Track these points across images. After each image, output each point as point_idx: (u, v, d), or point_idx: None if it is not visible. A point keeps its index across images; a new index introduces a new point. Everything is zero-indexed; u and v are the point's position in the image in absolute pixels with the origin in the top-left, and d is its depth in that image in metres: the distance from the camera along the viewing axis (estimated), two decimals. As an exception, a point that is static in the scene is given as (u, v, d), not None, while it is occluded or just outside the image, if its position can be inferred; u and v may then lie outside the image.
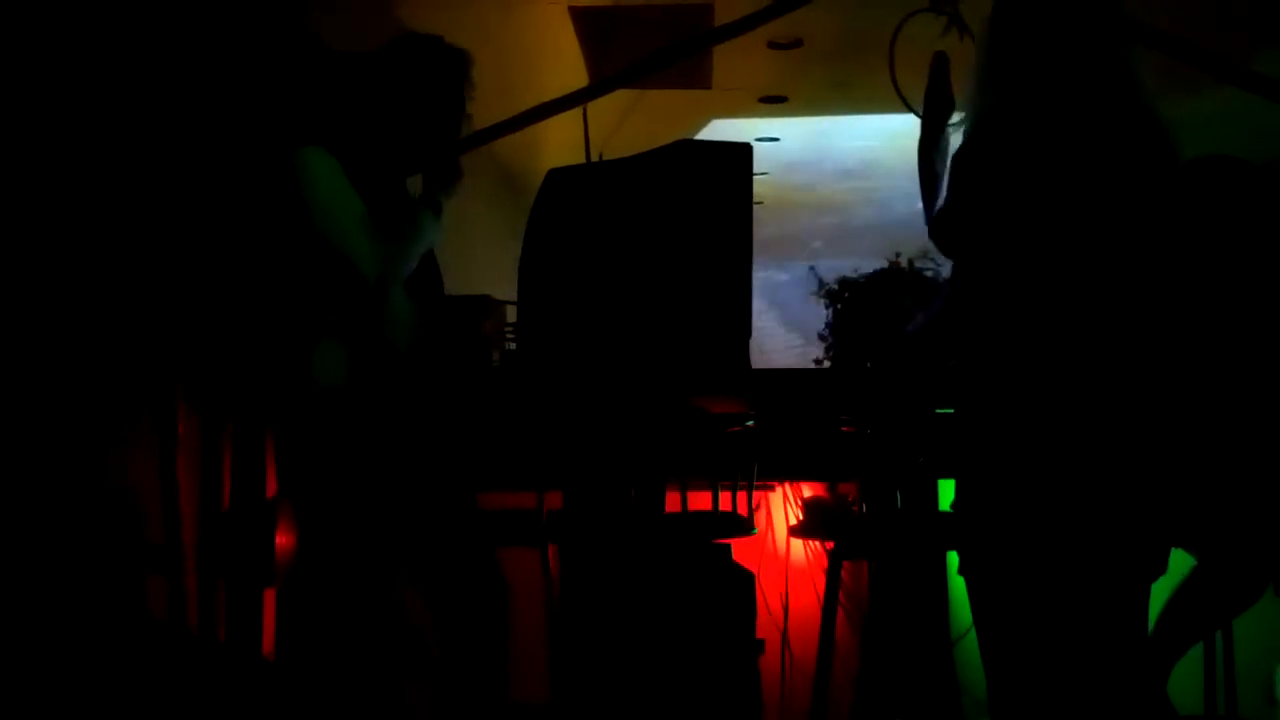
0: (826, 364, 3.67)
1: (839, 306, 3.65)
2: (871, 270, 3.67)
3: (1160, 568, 1.95)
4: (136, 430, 3.09)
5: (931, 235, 2.08)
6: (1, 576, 2.62)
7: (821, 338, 3.73)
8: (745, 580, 2.97)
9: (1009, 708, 1.93)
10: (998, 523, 1.91)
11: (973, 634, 2.02)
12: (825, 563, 3.08)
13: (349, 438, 2.51)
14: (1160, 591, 2.37)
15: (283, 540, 3.09)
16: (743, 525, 3.22)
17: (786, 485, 3.72)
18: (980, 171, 1.96)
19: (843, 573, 3.00)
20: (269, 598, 3.16)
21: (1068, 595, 1.88)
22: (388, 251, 2.54)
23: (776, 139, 6.70)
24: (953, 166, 2.02)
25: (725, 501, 3.24)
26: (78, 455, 2.86)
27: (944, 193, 2.11)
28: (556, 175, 2.77)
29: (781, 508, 3.76)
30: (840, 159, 7.22)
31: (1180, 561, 2.43)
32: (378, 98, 2.67)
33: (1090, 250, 1.90)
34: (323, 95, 2.89)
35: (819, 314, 3.76)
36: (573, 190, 2.75)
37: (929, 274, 3.62)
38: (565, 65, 5.05)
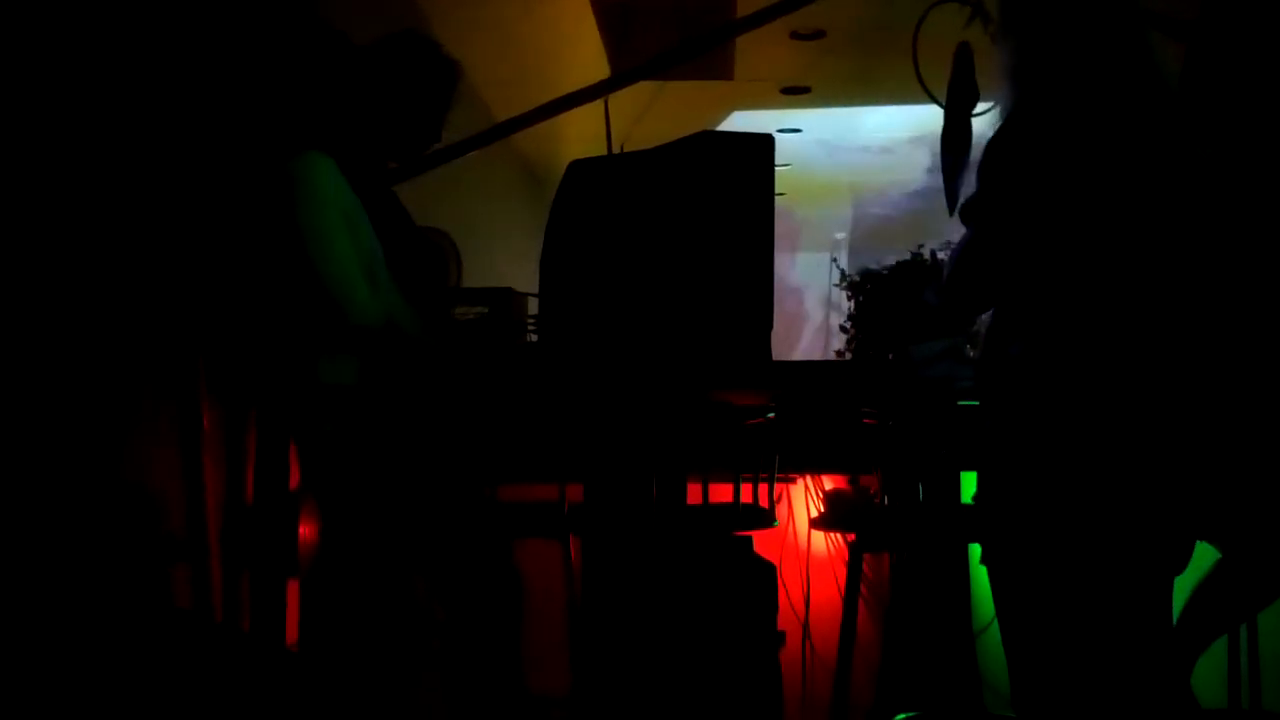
0: (848, 356, 3.67)
1: (861, 298, 3.64)
2: (893, 262, 3.65)
3: (1183, 561, 1.94)
4: (161, 423, 3.11)
5: (963, 220, 2.07)
6: (27, 568, 2.64)
7: (843, 329, 3.73)
8: (766, 572, 2.97)
9: (1032, 700, 1.93)
10: (1021, 513, 1.91)
11: (994, 626, 2.02)
12: (846, 555, 3.08)
13: (361, 434, 2.52)
14: (1184, 585, 2.36)
15: (306, 532, 3.11)
16: (764, 517, 3.22)
17: (808, 477, 3.71)
18: (1015, 160, 1.95)
19: (864, 565, 3.00)
20: (293, 588, 3.18)
21: (1090, 587, 1.88)
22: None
23: (799, 130, 6.68)
24: (986, 153, 2.01)
25: (746, 494, 3.24)
26: (102, 448, 2.89)
27: (972, 180, 2.11)
28: (578, 167, 2.77)
29: (803, 500, 3.75)
30: (863, 150, 7.19)
31: (1204, 555, 2.42)
32: (363, 93, 2.67)
33: (1119, 243, 1.89)
34: (337, 91, 2.90)
35: (841, 305, 3.75)
36: (594, 182, 2.74)
37: (951, 265, 3.60)
38: (586, 57, 5.05)
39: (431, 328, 2.69)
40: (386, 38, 2.75)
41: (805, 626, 3.63)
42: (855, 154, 7.26)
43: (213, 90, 3.20)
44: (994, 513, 1.96)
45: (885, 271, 3.63)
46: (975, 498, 2.01)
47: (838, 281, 3.80)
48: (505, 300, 3.28)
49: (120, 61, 2.95)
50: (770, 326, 2.56)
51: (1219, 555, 2.51)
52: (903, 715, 3.29)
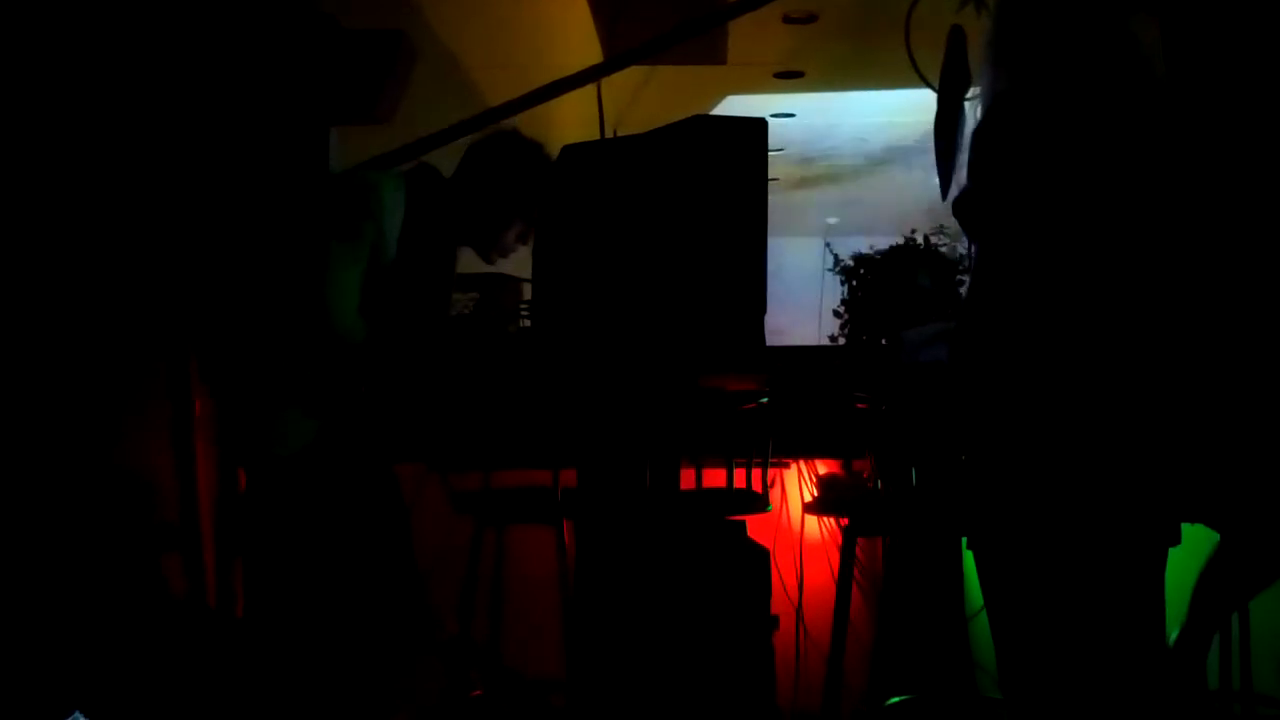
0: (841, 341, 3.67)
1: (854, 283, 3.64)
2: (886, 246, 3.65)
3: (1173, 537, 1.94)
4: (155, 412, 3.11)
5: (955, 215, 2.07)
6: (22, 556, 2.64)
7: (836, 314, 3.72)
8: (760, 556, 2.97)
9: (1020, 682, 1.93)
10: (1005, 497, 1.91)
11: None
12: (840, 539, 3.08)
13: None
14: (1188, 569, 2.37)
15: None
16: (757, 502, 3.23)
17: (801, 462, 3.72)
18: (1000, 151, 1.95)
19: (857, 549, 3.01)
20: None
21: (1076, 569, 1.88)
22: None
23: (792, 115, 6.66)
24: (972, 146, 2.01)
25: (740, 478, 3.24)
26: (96, 437, 2.88)
27: (964, 172, 2.11)
28: (571, 151, 2.76)
29: (796, 484, 3.76)
30: (856, 135, 7.18)
31: (1206, 537, 2.43)
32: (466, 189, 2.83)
33: (1113, 227, 1.89)
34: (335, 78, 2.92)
35: (834, 290, 3.75)
36: (587, 167, 2.74)
37: (944, 250, 3.61)
38: (579, 41, 5.03)
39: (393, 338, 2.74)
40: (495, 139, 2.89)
41: (799, 610, 3.63)
42: (849, 139, 7.25)
43: (214, 90, 3.19)
44: (978, 496, 1.96)
45: (878, 256, 3.63)
46: (962, 480, 2.01)
47: (831, 266, 3.79)
48: (498, 286, 3.28)
49: (134, 61, 2.94)
50: (763, 311, 2.56)
51: (1219, 538, 2.52)
52: (896, 698, 3.31)
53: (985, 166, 1.97)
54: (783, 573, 3.58)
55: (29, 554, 2.67)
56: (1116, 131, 1.91)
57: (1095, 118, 1.91)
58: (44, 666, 2.60)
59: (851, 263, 3.66)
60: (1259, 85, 2.35)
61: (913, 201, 6.77)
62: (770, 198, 2.58)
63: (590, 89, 3.85)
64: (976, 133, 2.00)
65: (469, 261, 2.99)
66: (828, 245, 3.99)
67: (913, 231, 3.67)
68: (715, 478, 3.32)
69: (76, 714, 2.53)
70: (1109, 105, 1.92)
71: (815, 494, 3.54)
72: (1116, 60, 1.95)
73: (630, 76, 4.38)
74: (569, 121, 4.30)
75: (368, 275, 2.64)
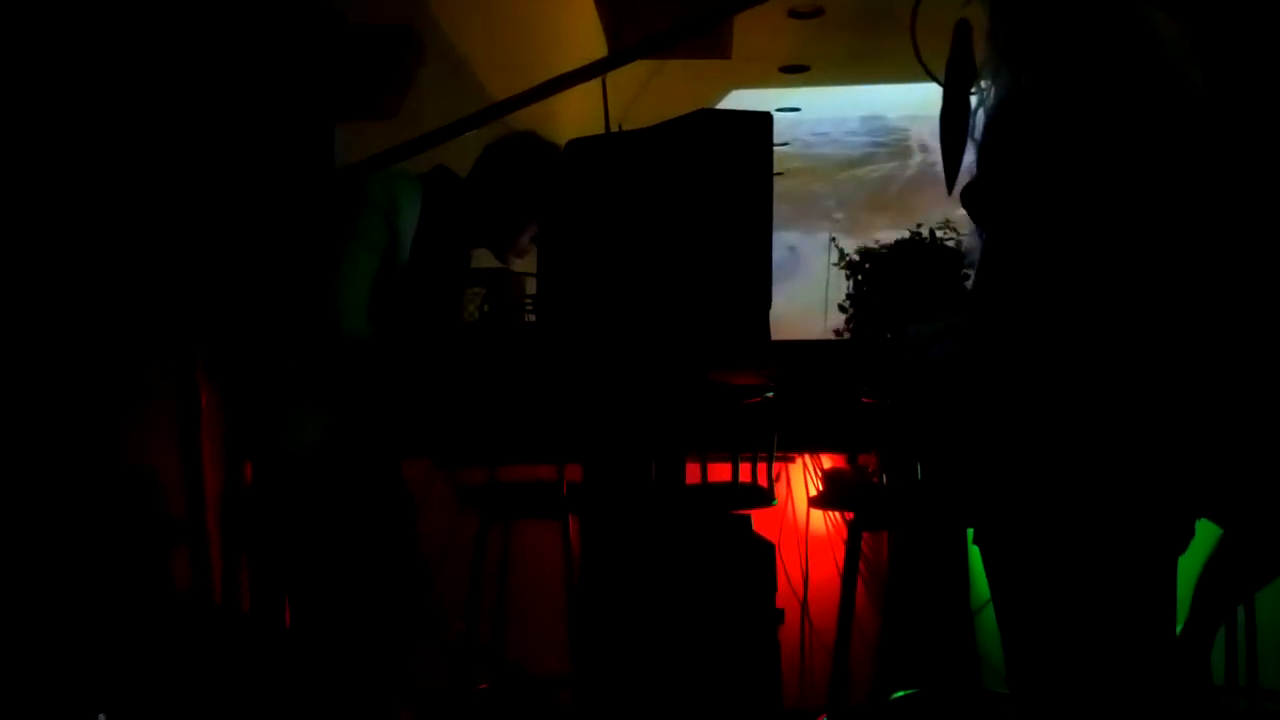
0: (846, 335, 3.66)
1: (859, 277, 3.63)
2: (892, 241, 3.65)
3: (1184, 540, 1.94)
4: (160, 406, 3.12)
5: (964, 204, 2.07)
6: (28, 553, 2.64)
7: (842, 309, 3.72)
8: (765, 551, 2.97)
9: (1029, 678, 1.93)
10: (1014, 494, 1.91)
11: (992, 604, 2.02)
12: (845, 534, 3.08)
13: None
14: (1191, 564, 2.37)
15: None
16: (763, 496, 3.23)
17: (806, 456, 3.72)
18: (1016, 141, 1.94)
19: (863, 544, 3.01)
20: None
21: (1087, 568, 1.88)
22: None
23: (798, 109, 6.66)
24: (985, 134, 2.00)
25: (745, 473, 3.24)
26: (102, 432, 2.89)
27: (975, 160, 2.10)
28: (575, 146, 2.76)
29: (801, 479, 3.76)
30: (861, 129, 7.18)
31: (1208, 533, 2.42)
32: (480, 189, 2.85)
33: (1126, 219, 1.89)
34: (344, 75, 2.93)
35: (840, 285, 3.75)
36: (592, 161, 2.74)
37: (950, 244, 3.60)
38: (584, 36, 5.03)
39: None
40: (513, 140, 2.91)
41: (804, 605, 3.64)
42: (854, 133, 7.25)
43: (220, 85, 3.19)
44: (985, 493, 1.96)
45: (883, 250, 3.62)
46: (967, 475, 2.00)
47: (836, 261, 3.79)
48: (503, 281, 3.28)
49: (139, 56, 2.95)
50: (769, 306, 2.56)
51: (1222, 532, 2.52)
52: (901, 693, 3.31)
53: (999, 156, 1.96)
54: (788, 567, 3.58)
55: (36, 549, 2.67)
56: (1134, 125, 1.90)
57: (1114, 110, 1.90)
58: (48, 661, 2.61)
59: (857, 257, 3.65)
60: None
61: (918, 196, 6.77)
62: (775, 192, 2.57)
63: (595, 84, 3.84)
64: (991, 122, 1.99)
65: (474, 257, 3.00)
66: (833, 239, 3.99)
67: (918, 225, 3.66)
68: (720, 472, 3.32)
69: (100, 717, 2.55)
70: (1128, 97, 1.91)
71: (820, 488, 3.54)
72: (1135, 51, 1.94)
73: (635, 71, 4.38)
74: (574, 116, 4.29)
75: (381, 276, 2.64)
